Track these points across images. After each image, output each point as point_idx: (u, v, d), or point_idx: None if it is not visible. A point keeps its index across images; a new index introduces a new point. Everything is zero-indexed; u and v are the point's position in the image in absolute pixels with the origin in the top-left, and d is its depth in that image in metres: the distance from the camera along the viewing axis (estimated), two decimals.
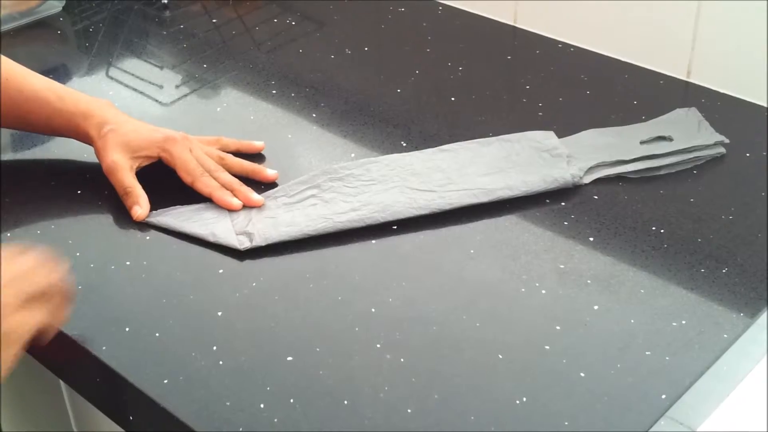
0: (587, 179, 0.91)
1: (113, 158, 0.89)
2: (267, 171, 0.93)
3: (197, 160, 0.91)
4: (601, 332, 0.75)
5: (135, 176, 0.90)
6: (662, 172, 0.92)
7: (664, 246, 0.83)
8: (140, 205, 0.88)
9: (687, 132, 0.96)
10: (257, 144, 0.97)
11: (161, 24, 1.27)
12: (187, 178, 0.90)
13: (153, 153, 0.91)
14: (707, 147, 0.94)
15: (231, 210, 0.88)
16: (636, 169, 0.92)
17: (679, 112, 1.00)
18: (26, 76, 0.93)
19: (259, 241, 0.84)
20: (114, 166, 0.89)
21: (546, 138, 0.95)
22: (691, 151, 0.94)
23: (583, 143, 0.95)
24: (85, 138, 0.92)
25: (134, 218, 0.88)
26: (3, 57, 0.93)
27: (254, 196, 0.89)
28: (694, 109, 1.00)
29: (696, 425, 0.76)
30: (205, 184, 0.90)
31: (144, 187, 0.89)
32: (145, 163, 0.92)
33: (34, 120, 0.93)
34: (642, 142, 0.95)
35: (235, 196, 0.89)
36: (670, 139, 0.95)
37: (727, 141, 0.95)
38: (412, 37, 1.20)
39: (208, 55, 1.18)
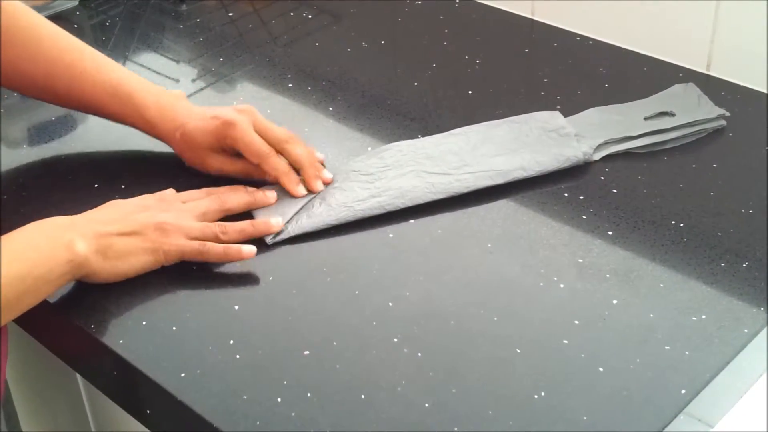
0: (597, 156, 0.93)
1: (212, 164, 0.90)
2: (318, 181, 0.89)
3: (263, 135, 0.89)
4: (620, 327, 0.74)
5: (236, 159, 0.90)
6: (668, 146, 0.95)
7: (683, 240, 0.83)
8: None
9: (688, 107, 0.98)
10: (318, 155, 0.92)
11: (177, 18, 1.27)
12: (253, 160, 0.88)
13: (219, 144, 0.89)
14: (709, 120, 0.97)
15: (294, 196, 0.87)
16: (643, 144, 0.94)
17: (677, 88, 1.02)
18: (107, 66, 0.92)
19: (284, 235, 0.84)
20: (219, 169, 0.90)
21: (552, 118, 0.96)
22: (694, 125, 0.96)
23: (588, 121, 0.97)
24: (160, 137, 0.92)
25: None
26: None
27: (326, 174, 0.89)
28: (692, 84, 1.02)
29: (715, 421, 0.75)
30: (272, 167, 0.87)
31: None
32: (231, 151, 0.90)
33: (107, 113, 0.93)
34: (646, 118, 0.97)
35: (304, 174, 0.88)
36: (672, 114, 0.97)
37: (728, 114, 0.97)
38: (429, 31, 1.19)
39: (224, 48, 1.18)
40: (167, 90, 0.93)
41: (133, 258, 0.78)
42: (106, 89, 0.91)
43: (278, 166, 0.88)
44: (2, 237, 0.72)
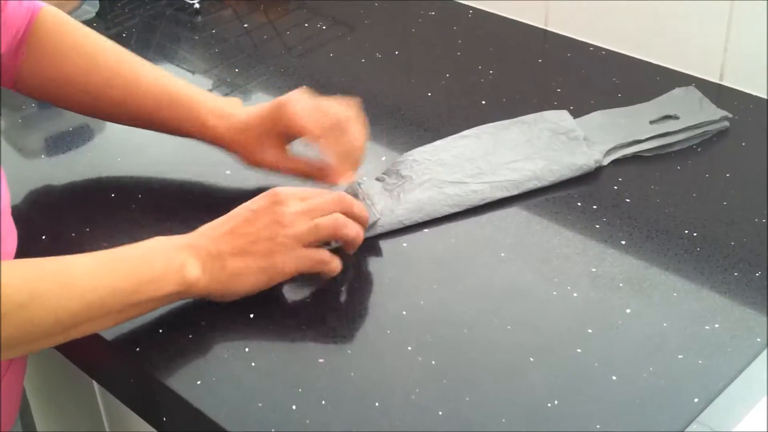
0: (606, 161, 0.94)
1: (266, 158, 0.88)
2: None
3: (324, 113, 0.85)
4: (634, 335, 0.74)
5: (293, 155, 0.89)
6: (675, 149, 0.96)
7: (696, 249, 0.83)
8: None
9: (690, 109, 0.99)
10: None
11: (193, 29, 1.28)
12: (315, 131, 0.84)
13: (275, 129, 0.87)
14: (713, 122, 0.98)
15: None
16: (650, 147, 0.95)
17: (678, 91, 1.03)
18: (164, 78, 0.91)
19: None
20: (274, 163, 0.88)
21: (561, 119, 0.97)
22: (699, 127, 0.97)
23: (595, 124, 0.98)
24: (215, 138, 0.90)
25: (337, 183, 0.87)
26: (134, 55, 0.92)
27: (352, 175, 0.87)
28: (692, 87, 1.03)
29: (728, 430, 0.75)
30: (325, 149, 0.85)
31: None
32: (285, 139, 0.88)
33: (161, 121, 0.91)
34: (651, 122, 0.98)
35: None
36: (676, 117, 0.98)
37: (731, 116, 0.98)
38: (443, 41, 1.20)
39: (239, 59, 1.19)
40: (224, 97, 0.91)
41: (245, 278, 0.76)
42: (163, 98, 0.90)
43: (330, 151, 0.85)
44: (121, 249, 0.72)
